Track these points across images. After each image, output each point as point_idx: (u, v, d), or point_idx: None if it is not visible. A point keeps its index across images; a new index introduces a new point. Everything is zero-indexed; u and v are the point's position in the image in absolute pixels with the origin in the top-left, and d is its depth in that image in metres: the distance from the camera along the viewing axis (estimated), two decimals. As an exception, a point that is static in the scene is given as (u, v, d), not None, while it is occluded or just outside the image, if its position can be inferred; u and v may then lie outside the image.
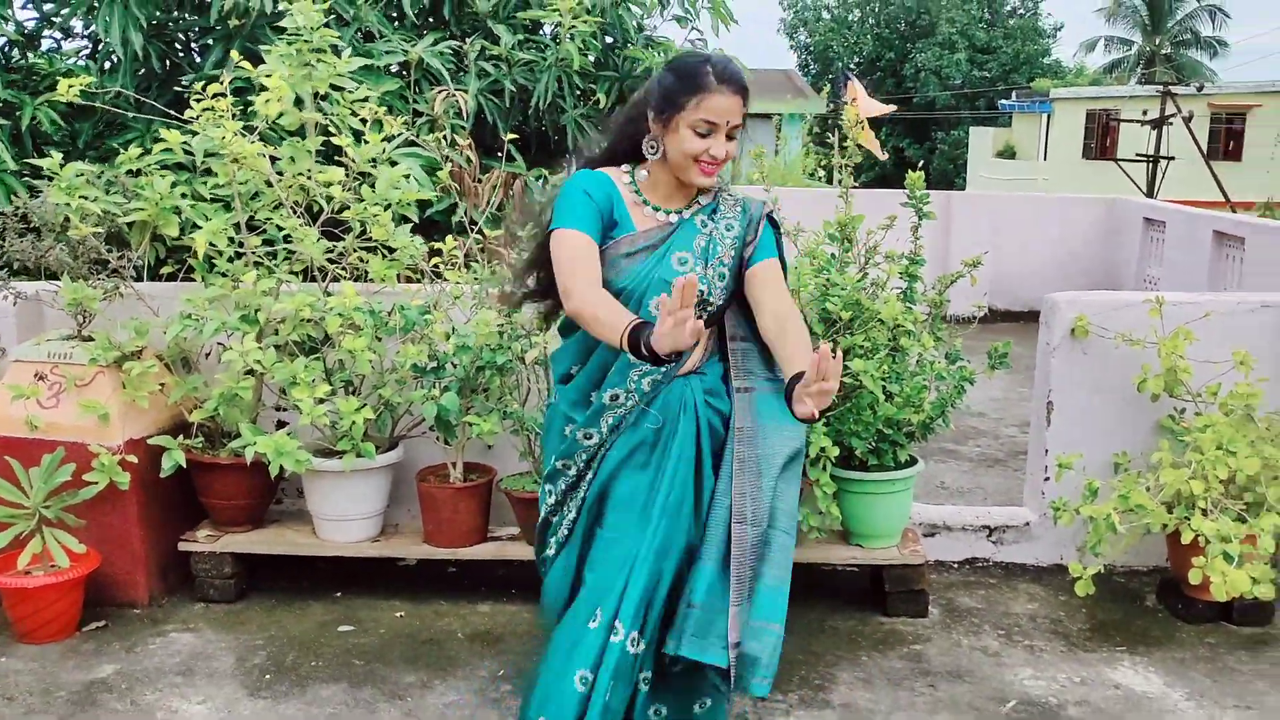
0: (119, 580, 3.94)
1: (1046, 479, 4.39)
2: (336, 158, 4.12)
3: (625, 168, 2.62)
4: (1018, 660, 3.71)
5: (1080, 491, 4.00)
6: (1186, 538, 3.69)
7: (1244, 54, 67.32)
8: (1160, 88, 24.84)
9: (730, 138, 2.48)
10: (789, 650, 3.68)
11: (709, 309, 2.57)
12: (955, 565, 4.50)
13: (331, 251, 4.05)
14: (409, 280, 4.22)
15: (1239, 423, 3.94)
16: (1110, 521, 3.75)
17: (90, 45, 5.38)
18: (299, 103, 4.07)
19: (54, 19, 5.34)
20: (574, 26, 5.13)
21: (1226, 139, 26.90)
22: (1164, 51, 39.32)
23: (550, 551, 2.75)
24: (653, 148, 2.52)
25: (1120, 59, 40.42)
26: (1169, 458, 3.95)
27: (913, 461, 4.04)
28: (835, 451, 3.72)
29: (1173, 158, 21.97)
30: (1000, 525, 4.52)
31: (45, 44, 5.55)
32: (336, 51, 4.18)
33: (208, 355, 4.20)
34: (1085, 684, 3.55)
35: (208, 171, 4.20)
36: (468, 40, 5.36)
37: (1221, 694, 3.49)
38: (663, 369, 2.52)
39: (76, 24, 5.19)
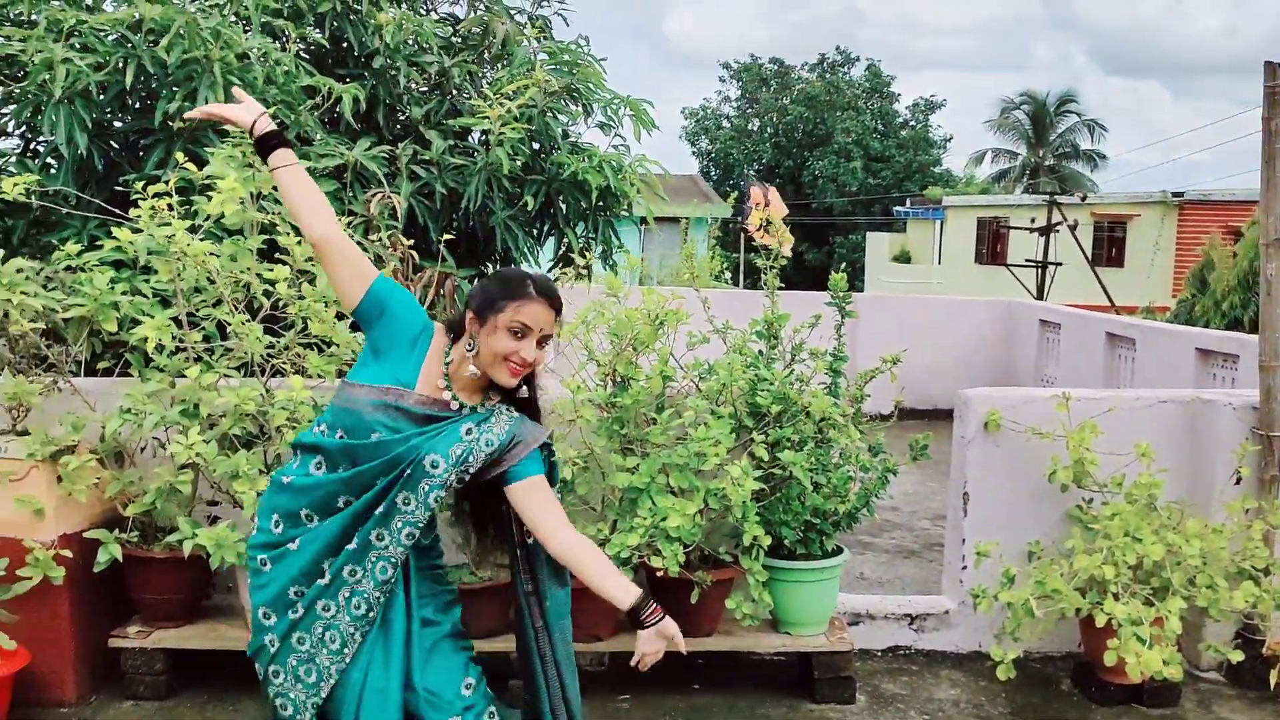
0: (47, 678, 3.86)
1: (965, 567, 4.58)
2: (277, 255, 4.21)
3: (449, 338, 2.75)
4: (945, 743, 3.84)
5: (996, 579, 4.18)
6: (1100, 621, 3.89)
7: (1121, 167, 71.35)
8: (1046, 197, 26.15)
9: (540, 345, 2.66)
10: (729, 736, 3.78)
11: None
12: (879, 653, 4.64)
13: (272, 347, 4.11)
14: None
15: (1143, 511, 4.19)
16: (1028, 606, 3.93)
17: (22, 144, 5.40)
18: (241, 202, 4.16)
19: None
20: (503, 133, 5.32)
21: (1109, 246, 28.19)
22: (1047, 163, 41.43)
23: None
24: (469, 346, 2.67)
25: (1007, 169, 42.46)
26: (1081, 544, 4.17)
27: (839, 551, 4.19)
28: (768, 541, 3.86)
29: (1060, 263, 23.07)
30: (922, 613, 4.68)
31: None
32: (279, 154, 4.28)
33: (143, 449, 4.19)
34: (1010, 764, 3.69)
35: (146, 269, 4.24)
36: (400, 145, 5.51)
37: (1137, 770, 3.66)
38: None
39: (8, 122, 5.20)
